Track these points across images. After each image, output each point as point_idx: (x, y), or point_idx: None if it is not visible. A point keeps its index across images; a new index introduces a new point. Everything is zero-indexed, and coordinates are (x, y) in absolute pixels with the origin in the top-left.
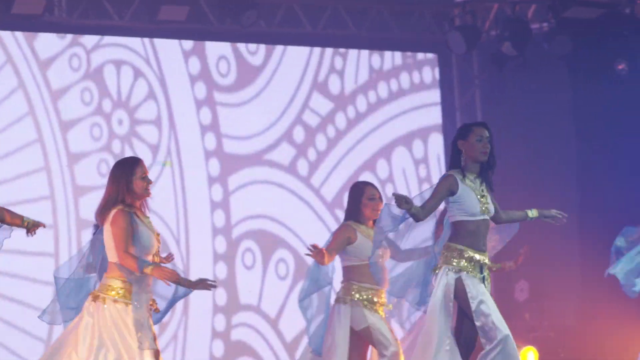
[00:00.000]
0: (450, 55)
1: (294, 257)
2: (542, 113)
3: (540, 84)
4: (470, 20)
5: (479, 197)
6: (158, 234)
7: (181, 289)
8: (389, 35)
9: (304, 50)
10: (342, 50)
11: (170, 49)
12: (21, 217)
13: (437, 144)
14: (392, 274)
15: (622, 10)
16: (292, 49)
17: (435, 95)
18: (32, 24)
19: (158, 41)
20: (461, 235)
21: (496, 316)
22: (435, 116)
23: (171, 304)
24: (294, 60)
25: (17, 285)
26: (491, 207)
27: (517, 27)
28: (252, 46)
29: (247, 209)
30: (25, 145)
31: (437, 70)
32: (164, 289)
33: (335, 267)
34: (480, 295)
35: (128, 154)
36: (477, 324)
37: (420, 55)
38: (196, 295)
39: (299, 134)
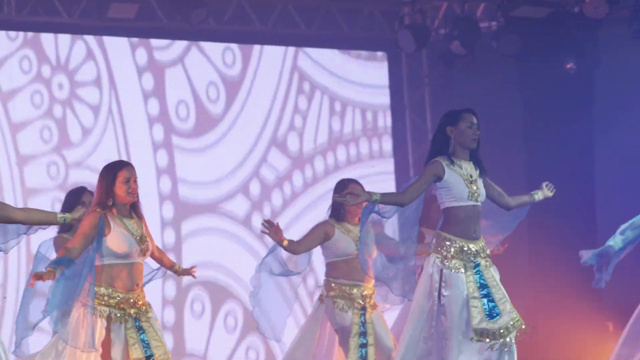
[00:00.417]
0: (399, 54)
1: (243, 311)
2: (491, 112)
3: (489, 82)
4: (420, 19)
5: (467, 182)
6: (145, 237)
7: None
8: (339, 33)
9: (263, 105)
10: (302, 108)
11: (119, 46)
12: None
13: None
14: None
15: (570, 10)
16: (249, 106)
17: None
18: None
19: (107, 39)
20: (451, 223)
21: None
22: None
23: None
24: (252, 116)
25: None
26: (482, 193)
27: (466, 26)
28: (213, 93)
29: (199, 256)
30: None
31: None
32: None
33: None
34: (454, 291)
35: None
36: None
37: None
38: None
39: (255, 188)
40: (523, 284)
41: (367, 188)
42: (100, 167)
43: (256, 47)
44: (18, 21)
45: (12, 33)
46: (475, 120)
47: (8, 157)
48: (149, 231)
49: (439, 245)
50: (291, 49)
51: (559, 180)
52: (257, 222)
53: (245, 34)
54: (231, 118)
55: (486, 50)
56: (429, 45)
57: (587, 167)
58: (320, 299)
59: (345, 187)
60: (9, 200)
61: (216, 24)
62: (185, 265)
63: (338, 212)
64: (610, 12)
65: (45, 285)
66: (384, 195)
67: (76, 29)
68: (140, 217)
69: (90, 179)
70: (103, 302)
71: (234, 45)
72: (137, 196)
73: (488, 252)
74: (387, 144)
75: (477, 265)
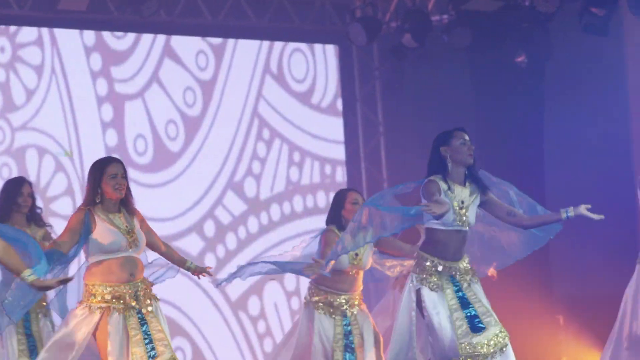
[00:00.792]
0: (350, 47)
1: (190, 346)
2: (442, 105)
3: (440, 75)
4: (371, 12)
5: (457, 208)
6: (134, 229)
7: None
8: (290, 26)
9: (222, 146)
10: (261, 155)
11: (71, 40)
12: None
13: None
14: None
15: (521, 3)
16: (205, 151)
17: None
18: None
19: (58, 31)
20: (431, 243)
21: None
22: None
23: None
24: (209, 158)
25: None
26: (471, 220)
27: (418, 19)
28: (172, 131)
29: None
30: None
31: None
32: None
33: None
34: (435, 310)
35: None
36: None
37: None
38: None
39: (209, 228)
40: None
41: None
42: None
43: (217, 90)
44: None
45: None
46: (467, 137)
47: None
48: (147, 225)
49: (418, 264)
50: (252, 96)
51: (509, 173)
52: (209, 261)
53: (196, 26)
54: (189, 157)
55: (437, 43)
56: (380, 38)
57: (537, 159)
58: (305, 303)
59: (344, 195)
60: None
61: (167, 16)
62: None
63: (339, 219)
64: (561, 6)
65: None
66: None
67: (27, 21)
68: (131, 212)
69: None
70: (100, 299)
71: (195, 85)
72: (126, 191)
73: (470, 268)
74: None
75: (457, 282)
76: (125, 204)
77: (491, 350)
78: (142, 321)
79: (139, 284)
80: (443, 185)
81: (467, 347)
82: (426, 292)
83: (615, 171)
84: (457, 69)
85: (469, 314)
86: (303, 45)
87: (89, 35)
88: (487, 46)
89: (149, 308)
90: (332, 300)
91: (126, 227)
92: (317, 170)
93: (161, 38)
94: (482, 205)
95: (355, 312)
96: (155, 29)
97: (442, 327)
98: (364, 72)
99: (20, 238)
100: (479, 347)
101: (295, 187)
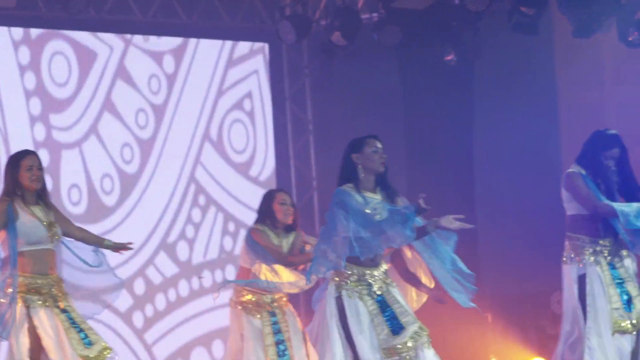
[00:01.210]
0: (280, 45)
1: None
2: (371, 103)
3: (370, 73)
4: (301, 10)
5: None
6: (54, 223)
7: None
8: (219, 24)
9: (157, 207)
10: (196, 220)
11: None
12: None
13: None
14: None
15: (451, 1)
16: (139, 209)
17: None
18: None
19: None
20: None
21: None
22: None
23: None
24: (143, 218)
25: None
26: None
27: (347, 17)
28: (107, 185)
29: None
30: None
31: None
32: None
33: None
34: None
35: None
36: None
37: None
38: None
39: (139, 287)
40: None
41: None
42: None
43: (155, 150)
44: None
45: None
46: (380, 145)
47: None
48: (61, 214)
49: (337, 273)
50: (189, 162)
51: (438, 172)
52: (137, 320)
53: (126, 23)
54: (123, 213)
55: (367, 41)
56: (309, 36)
57: (466, 158)
58: (230, 304)
59: (272, 196)
60: None
61: (96, 13)
62: None
63: (268, 218)
64: (491, 5)
65: None
66: None
67: None
68: (48, 205)
69: None
70: (23, 290)
71: (133, 141)
72: (42, 183)
73: (387, 274)
74: None
75: (373, 287)
76: (43, 197)
77: (413, 346)
78: (64, 311)
79: (55, 278)
80: (357, 198)
81: (388, 350)
82: (346, 300)
83: (544, 169)
84: (386, 67)
85: (388, 318)
86: (243, 115)
87: (40, 134)
88: (416, 44)
89: (65, 303)
90: (257, 299)
91: (47, 220)
92: None
93: (102, 90)
94: None
95: (281, 311)
96: (83, 26)
97: (365, 333)
98: (293, 70)
99: None
100: (400, 347)
101: (229, 256)
